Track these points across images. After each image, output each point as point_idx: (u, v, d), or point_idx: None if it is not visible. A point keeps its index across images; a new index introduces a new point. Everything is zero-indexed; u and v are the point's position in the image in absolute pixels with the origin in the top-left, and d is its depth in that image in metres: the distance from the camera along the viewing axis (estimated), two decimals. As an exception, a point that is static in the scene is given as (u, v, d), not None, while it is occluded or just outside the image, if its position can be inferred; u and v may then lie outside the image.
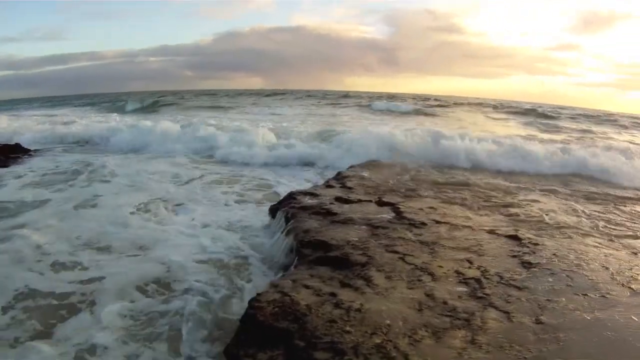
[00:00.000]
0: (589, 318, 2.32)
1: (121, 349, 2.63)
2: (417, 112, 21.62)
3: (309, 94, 38.75)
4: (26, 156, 9.19)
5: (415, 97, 38.75)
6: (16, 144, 10.06)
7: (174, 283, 3.42)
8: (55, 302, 3.17)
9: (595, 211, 4.69)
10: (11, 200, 5.61)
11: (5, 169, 7.68)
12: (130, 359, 2.56)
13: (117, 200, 5.68)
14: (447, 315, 2.30)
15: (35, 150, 9.93)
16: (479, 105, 27.72)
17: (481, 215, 4.28)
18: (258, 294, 2.55)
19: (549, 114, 22.77)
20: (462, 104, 28.72)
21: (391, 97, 37.85)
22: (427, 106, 25.22)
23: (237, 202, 5.87)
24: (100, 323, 2.87)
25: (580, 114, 23.98)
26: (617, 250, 3.42)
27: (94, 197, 5.83)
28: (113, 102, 25.78)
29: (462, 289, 2.61)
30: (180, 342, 2.69)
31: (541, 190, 5.75)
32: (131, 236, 4.39)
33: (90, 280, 3.46)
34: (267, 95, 37.21)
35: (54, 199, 5.76)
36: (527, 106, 28.91)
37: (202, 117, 15.88)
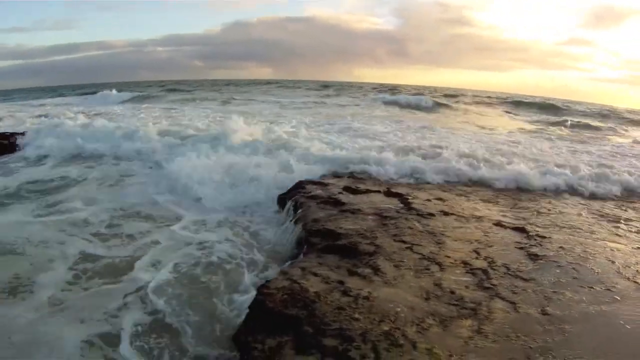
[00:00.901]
0: (594, 310, 2.35)
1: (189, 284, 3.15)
2: (420, 107, 21.12)
3: (320, 84, 38.67)
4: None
5: (423, 89, 38.27)
6: (25, 132, 10.09)
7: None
8: (117, 260, 3.53)
9: (604, 207, 4.68)
10: (54, 178, 6.09)
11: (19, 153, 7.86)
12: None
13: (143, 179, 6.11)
14: (454, 305, 2.33)
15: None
16: (490, 98, 27.34)
17: (489, 207, 4.28)
18: (267, 281, 2.59)
19: (562, 108, 22.53)
20: (472, 96, 28.34)
21: (395, 87, 37.34)
22: (434, 98, 24.85)
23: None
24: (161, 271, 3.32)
25: (593, 110, 23.59)
26: (624, 245, 3.43)
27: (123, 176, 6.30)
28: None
29: (469, 279, 2.64)
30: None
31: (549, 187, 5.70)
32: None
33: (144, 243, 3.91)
34: (269, 83, 37.04)
35: (88, 177, 6.21)
36: (538, 100, 28.57)
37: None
